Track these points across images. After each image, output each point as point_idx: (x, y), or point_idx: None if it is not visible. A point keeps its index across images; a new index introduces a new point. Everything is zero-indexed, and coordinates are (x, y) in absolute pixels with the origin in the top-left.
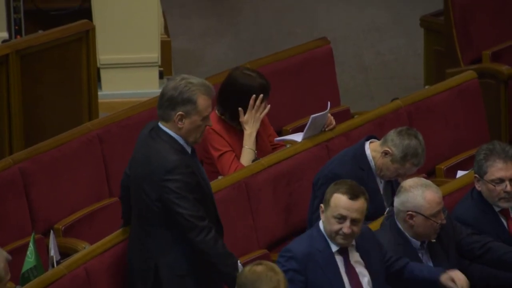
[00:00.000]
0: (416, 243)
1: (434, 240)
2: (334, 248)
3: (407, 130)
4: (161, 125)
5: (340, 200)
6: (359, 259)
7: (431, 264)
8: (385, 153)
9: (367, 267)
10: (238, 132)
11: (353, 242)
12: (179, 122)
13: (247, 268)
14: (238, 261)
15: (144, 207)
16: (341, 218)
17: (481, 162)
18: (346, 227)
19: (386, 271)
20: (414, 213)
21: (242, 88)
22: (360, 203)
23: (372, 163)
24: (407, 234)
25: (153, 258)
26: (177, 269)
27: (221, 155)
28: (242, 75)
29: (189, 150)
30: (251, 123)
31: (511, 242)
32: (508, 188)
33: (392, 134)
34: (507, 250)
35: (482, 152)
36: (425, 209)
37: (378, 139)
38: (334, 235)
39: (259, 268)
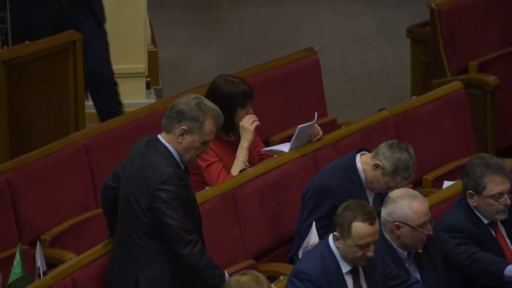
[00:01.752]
0: (403, 253)
1: (421, 251)
2: (345, 269)
3: (398, 143)
4: (161, 137)
5: (362, 229)
6: (363, 274)
7: (418, 275)
8: (376, 166)
9: (371, 281)
10: (225, 142)
11: None
12: (180, 137)
13: (233, 278)
14: (226, 272)
15: (134, 218)
16: (366, 245)
17: (478, 179)
18: (370, 251)
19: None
20: (400, 224)
21: (225, 96)
22: (377, 223)
23: (362, 176)
24: (393, 244)
25: (135, 270)
26: (158, 283)
27: (208, 165)
28: (225, 82)
29: (182, 166)
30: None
31: (501, 252)
32: (508, 201)
33: (383, 147)
34: (493, 261)
35: (478, 169)
36: (411, 220)
37: (369, 152)
38: (356, 260)
39: (243, 279)
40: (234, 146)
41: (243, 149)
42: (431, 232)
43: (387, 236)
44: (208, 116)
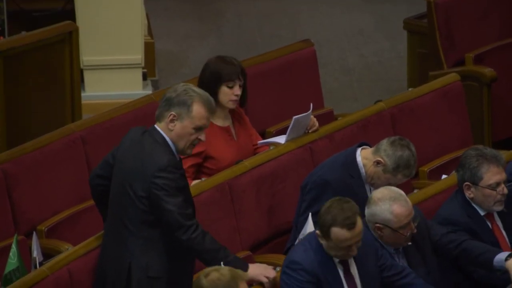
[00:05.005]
0: (390, 248)
1: (410, 243)
2: (335, 259)
3: (400, 140)
4: (157, 126)
5: (340, 235)
6: (355, 265)
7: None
8: (377, 163)
9: (363, 272)
10: (215, 127)
11: None
12: (170, 124)
13: (204, 282)
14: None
15: (129, 206)
16: (347, 248)
17: (474, 169)
18: (353, 251)
19: (381, 274)
20: (381, 226)
21: (212, 71)
22: (358, 226)
23: (362, 170)
24: (380, 240)
25: (129, 258)
26: (150, 270)
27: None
28: (215, 61)
29: (177, 158)
30: None
31: (497, 244)
32: (505, 190)
33: (384, 144)
34: (482, 251)
35: (473, 160)
36: (392, 223)
37: (370, 146)
38: (340, 256)
39: (215, 275)
40: (228, 132)
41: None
42: (415, 231)
43: (373, 232)
44: (195, 100)
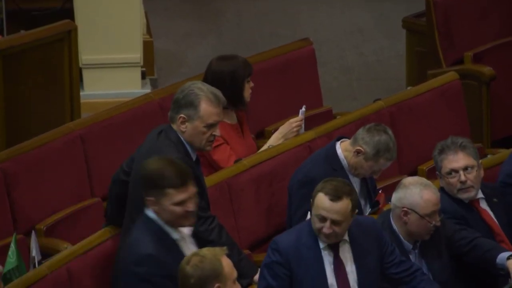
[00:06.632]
0: (408, 245)
1: (427, 238)
2: (322, 244)
3: (376, 126)
4: (172, 125)
5: (321, 201)
6: (350, 254)
7: (424, 265)
8: (358, 152)
9: (359, 263)
10: (228, 126)
11: (346, 237)
12: (181, 125)
13: (188, 268)
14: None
15: (139, 201)
16: (322, 219)
17: (435, 158)
18: (326, 228)
19: (384, 270)
20: (409, 210)
21: (232, 75)
22: (342, 205)
23: (344, 162)
24: (400, 235)
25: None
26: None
27: (216, 147)
28: (222, 63)
29: (193, 156)
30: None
31: (489, 228)
32: (462, 177)
33: (361, 133)
34: (489, 247)
35: (437, 148)
36: (420, 208)
37: (348, 139)
38: (317, 232)
39: (196, 259)
40: (237, 129)
41: (276, 138)
42: (439, 223)
43: (394, 225)
44: (203, 99)
